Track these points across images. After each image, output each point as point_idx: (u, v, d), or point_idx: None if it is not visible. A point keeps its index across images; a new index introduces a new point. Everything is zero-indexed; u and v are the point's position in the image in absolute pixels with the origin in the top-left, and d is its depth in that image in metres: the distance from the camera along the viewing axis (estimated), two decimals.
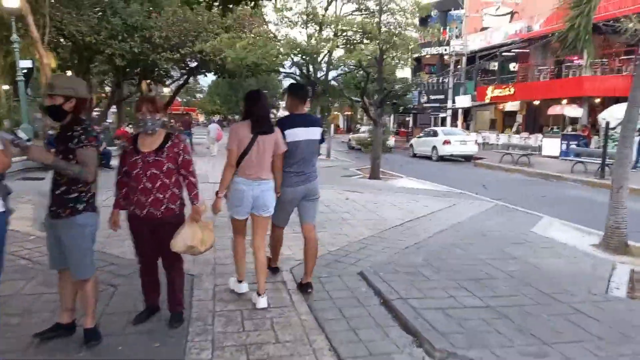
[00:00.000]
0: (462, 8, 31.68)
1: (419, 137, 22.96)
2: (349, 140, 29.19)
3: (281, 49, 16.67)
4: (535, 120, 26.64)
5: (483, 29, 30.57)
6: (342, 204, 8.29)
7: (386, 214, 7.43)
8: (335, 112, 43.10)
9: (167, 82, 26.29)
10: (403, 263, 4.86)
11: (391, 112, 29.89)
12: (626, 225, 5.69)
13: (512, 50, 27.70)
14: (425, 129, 24.54)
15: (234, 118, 51.13)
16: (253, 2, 6.45)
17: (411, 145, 23.05)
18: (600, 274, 4.71)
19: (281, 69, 21.45)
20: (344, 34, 15.62)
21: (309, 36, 18.57)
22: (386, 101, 16.24)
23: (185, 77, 24.29)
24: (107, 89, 27.37)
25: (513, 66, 29.85)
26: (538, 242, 5.94)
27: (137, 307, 3.59)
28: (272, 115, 4.29)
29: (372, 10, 16.73)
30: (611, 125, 14.06)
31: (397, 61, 15.25)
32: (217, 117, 53.48)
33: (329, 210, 7.62)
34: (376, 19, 13.85)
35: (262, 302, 3.69)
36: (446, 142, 19.79)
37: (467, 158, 20.02)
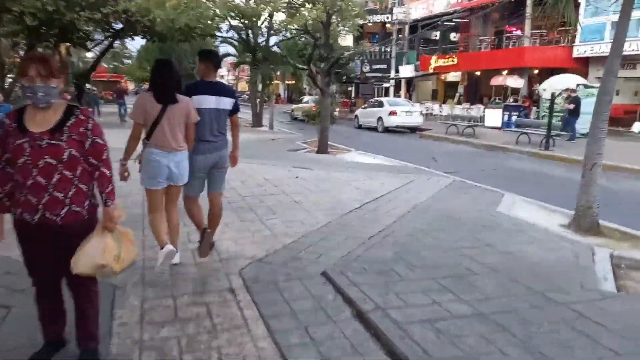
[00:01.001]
0: None
1: (364, 108, 22.38)
2: (292, 110, 28.15)
3: (217, 11, 15.31)
4: (477, 91, 26.89)
5: None
6: (292, 183, 7.50)
7: (342, 195, 6.73)
8: (276, 81, 41.65)
9: (90, 46, 23.72)
10: (371, 258, 4.19)
11: (335, 82, 29.06)
12: (598, 205, 5.37)
13: (454, 20, 27.56)
14: (371, 100, 23.97)
15: None
16: None
17: (356, 116, 22.45)
18: (583, 262, 4.30)
19: (218, 33, 20.01)
20: None
21: None
22: (333, 70, 15.44)
23: (110, 40, 22.01)
24: (22, 53, 24.35)
25: (453, 36, 29.80)
26: (508, 224, 5.48)
27: (36, 339, 2.66)
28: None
29: None
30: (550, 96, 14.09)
31: (342, 27, 14.48)
32: (147, 85, 50.05)
33: (278, 191, 6.82)
34: None
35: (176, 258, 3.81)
36: (392, 113, 19.31)
37: (413, 129, 19.69)
